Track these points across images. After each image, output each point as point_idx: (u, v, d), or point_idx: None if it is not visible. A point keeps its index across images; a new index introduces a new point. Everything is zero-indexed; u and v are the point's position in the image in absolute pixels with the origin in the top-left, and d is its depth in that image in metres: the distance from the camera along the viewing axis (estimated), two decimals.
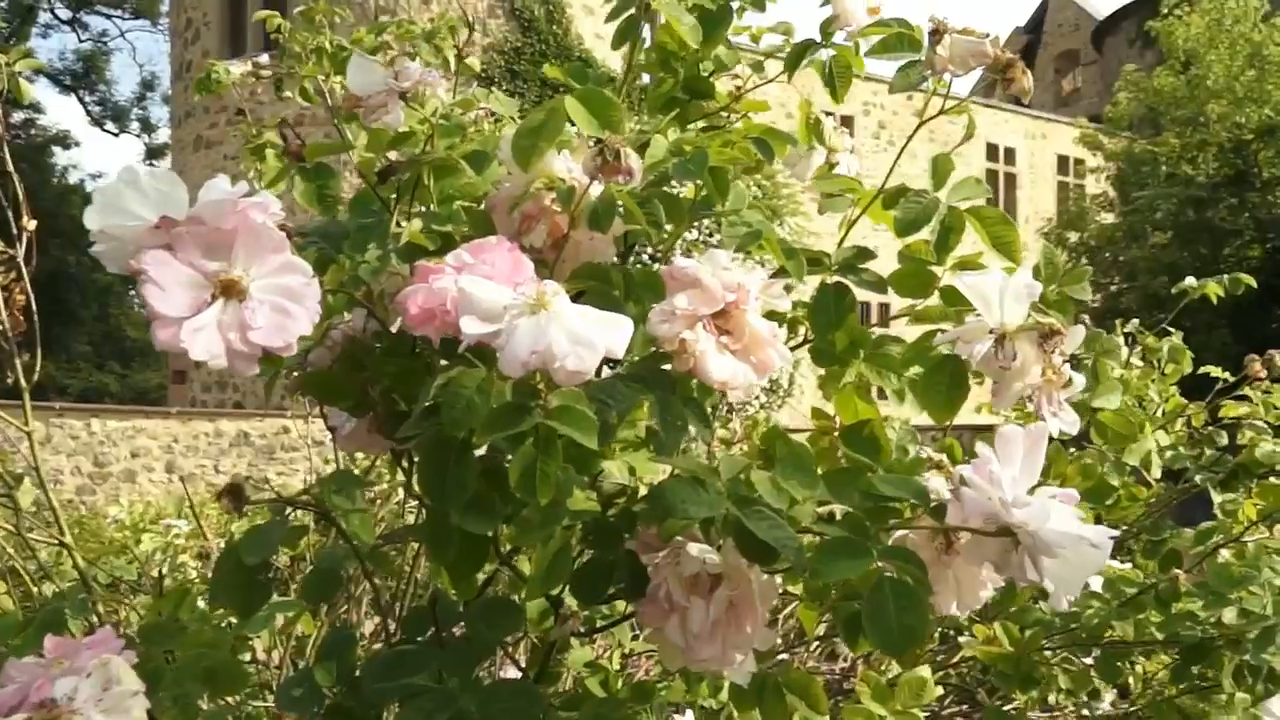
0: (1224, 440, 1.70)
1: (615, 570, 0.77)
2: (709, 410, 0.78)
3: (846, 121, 22.69)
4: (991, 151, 24.93)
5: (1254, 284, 1.71)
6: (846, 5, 1.01)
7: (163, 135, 26.16)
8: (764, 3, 1.14)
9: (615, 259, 0.87)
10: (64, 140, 26.76)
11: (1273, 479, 1.54)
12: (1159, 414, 1.75)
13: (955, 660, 1.73)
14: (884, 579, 0.65)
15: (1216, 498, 1.52)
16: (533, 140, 0.81)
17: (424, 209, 0.86)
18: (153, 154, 27.03)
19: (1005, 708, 1.66)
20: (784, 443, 0.81)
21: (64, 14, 26.50)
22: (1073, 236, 17.02)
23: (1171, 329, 1.74)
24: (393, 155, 0.87)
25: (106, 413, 9.64)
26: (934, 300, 0.89)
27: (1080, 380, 0.77)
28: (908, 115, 23.37)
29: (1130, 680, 1.59)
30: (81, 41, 27.30)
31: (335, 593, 0.85)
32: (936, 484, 0.71)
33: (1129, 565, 1.64)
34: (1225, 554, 1.48)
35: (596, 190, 0.80)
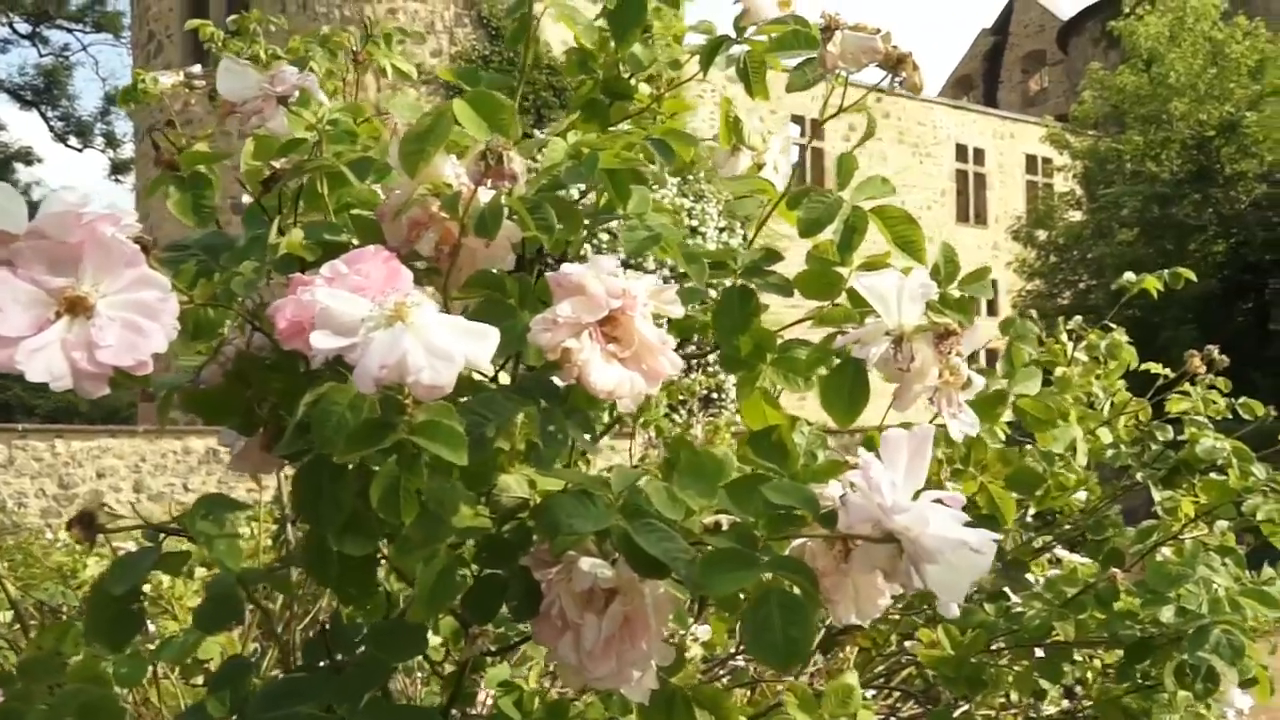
0: (1170, 435, 1.70)
1: (508, 588, 0.74)
2: (594, 419, 0.75)
3: (817, 124, 22.61)
4: (961, 152, 25.11)
5: (1194, 278, 1.71)
6: (756, 1, 0.99)
7: (128, 150, 25.92)
8: (679, 1, 1.13)
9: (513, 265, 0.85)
10: (26, 156, 26.47)
11: (1213, 475, 1.53)
12: (1106, 409, 1.74)
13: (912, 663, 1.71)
14: (770, 591, 0.63)
15: (1157, 495, 1.51)
16: (419, 146, 0.79)
17: (312, 218, 0.83)
18: (117, 169, 26.78)
19: (964, 709, 1.65)
20: (687, 451, 0.79)
21: (23, 28, 26.22)
22: (1042, 234, 17.17)
23: (1112, 325, 1.73)
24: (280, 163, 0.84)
25: (71, 433, 9.49)
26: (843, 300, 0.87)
27: (980, 381, 0.75)
28: (877, 116, 23.41)
29: (1081, 678, 1.58)
30: (42, 56, 26.99)
31: (231, 620, 0.81)
32: (830, 490, 0.69)
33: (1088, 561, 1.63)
34: (1166, 552, 1.47)
35: (488, 196, 0.78)
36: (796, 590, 0.64)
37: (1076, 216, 16.96)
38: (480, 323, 0.66)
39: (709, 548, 0.71)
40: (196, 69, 2.03)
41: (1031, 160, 25.78)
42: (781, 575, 0.64)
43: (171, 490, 9.40)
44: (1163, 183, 14.41)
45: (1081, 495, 1.54)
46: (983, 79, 37.64)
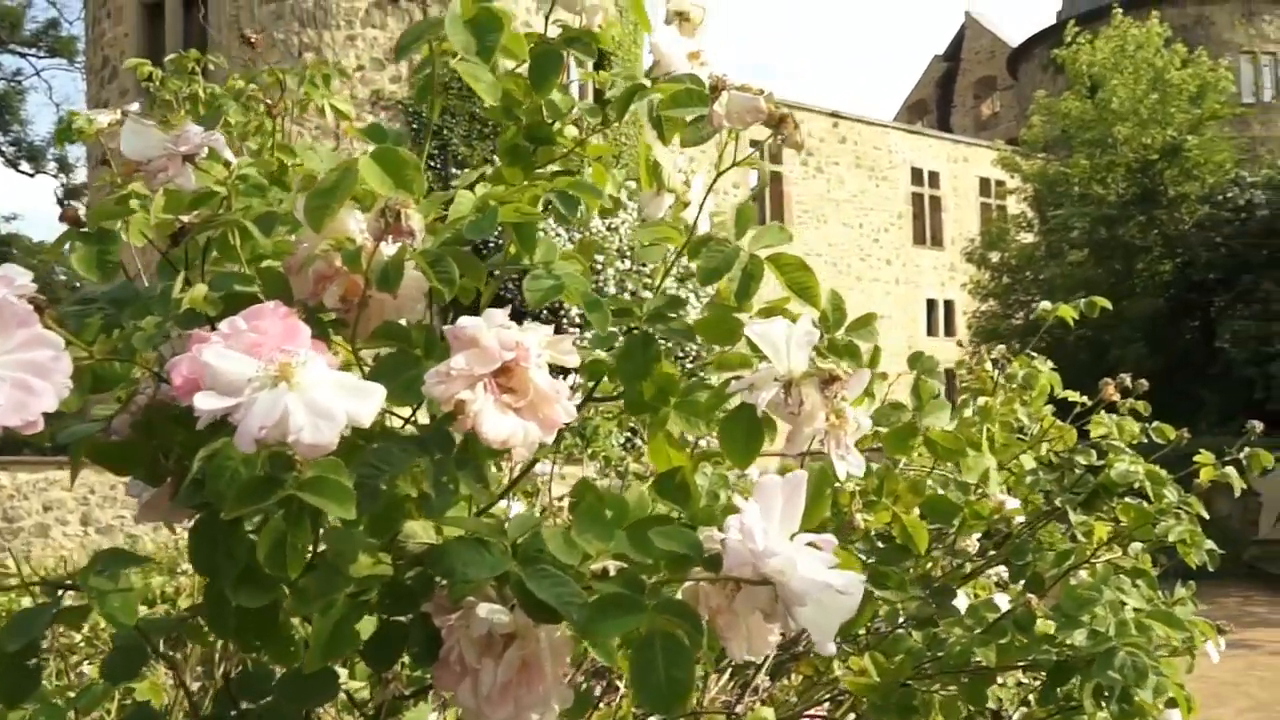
0: (1093, 459, 1.75)
1: (409, 634, 0.76)
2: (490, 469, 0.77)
3: (775, 149, 22.94)
4: (916, 175, 25.53)
5: (1109, 305, 1.77)
6: (667, 52, 1.03)
7: (81, 175, 25.54)
8: (593, 50, 1.16)
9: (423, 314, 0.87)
10: None
11: (1129, 499, 1.58)
12: (1031, 435, 1.79)
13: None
14: (653, 634, 0.66)
15: (1073, 518, 1.56)
16: (324, 201, 0.81)
17: (225, 268, 0.84)
18: (70, 194, 26.38)
19: None
20: (590, 494, 0.81)
21: None
22: (995, 256, 17.47)
23: (1035, 354, 1.78)
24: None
25: (17, 465, 9.28)
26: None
27: (866, 424, 0.78)
28: (834, 142, 23.92)
29: (1001, 701, 1.61)
30: None
31: (139, 670, 0.82)
32: (715, 534, 0.71)
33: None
34: (1083, 575, 1.51)
35: (392, 250, 0.80)
36: (680, 633, 0.66)
37: (1028, 238, 17.29)
38: (375, 379, 0.68)
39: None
40: (135, 106, 2.03)
41: (985, 183, 26.27)
42: (666, 619, 0.67)
43: (121, 523, 9.22)
44: (1109, 205, 14.75)
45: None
46: (936, 104, 38.34)
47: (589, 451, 3.07)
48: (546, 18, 0.99)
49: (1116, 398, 1.65)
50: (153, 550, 7.05)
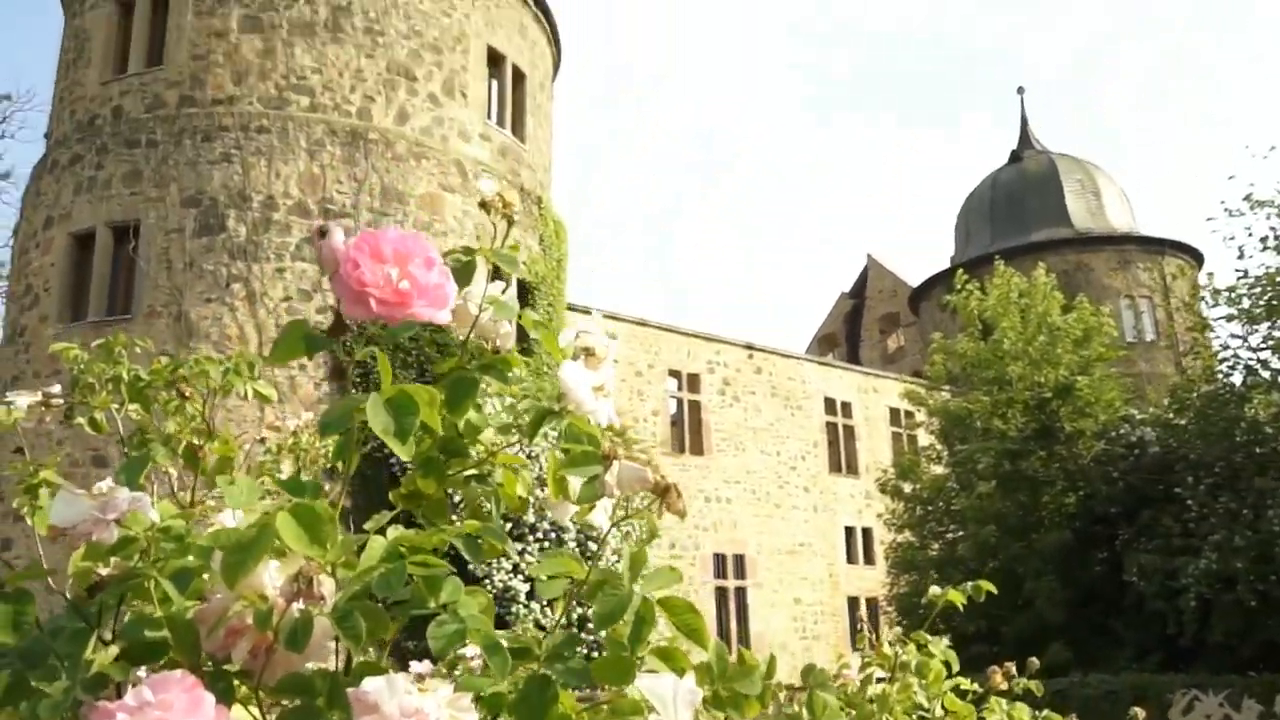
0: None
1: None
2: None
3: (693, 379, 23.89)
4: (830, 405, 26.48)
5: (994, 590, 1.87)
6: (574, 390, 1.14)
7: None
8: (506, 377, 1.27)
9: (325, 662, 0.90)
10: None
11: None
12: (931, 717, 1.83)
13: None
14: None
15: None
16: (241, 558, 0.86)
17: (127, 623, 0.87)
18: None
19: None
20: None
21: None
22: (908, 487, 17.91)
23: (928, 636, 1.86)
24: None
25: None
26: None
27: None
28: (750, 373, 24.86)
29: None
30: None
31: None
32: None
33: None
34: None
35: (299, 606, 0.85)
36: None
37: (939, 469, 17.84)
38: None
39: None
40: (56, 389, 2.07)
41: (895, 413, 27.35)
42: None
43: None
44: (1011, 440, 15.42)
45: None
46: (845, 338, 40.40)
47: None
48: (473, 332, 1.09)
49: (1004, 685, 1.72)
50: None
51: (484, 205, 1.32)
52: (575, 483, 1.34)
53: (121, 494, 0.86)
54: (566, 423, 1.15)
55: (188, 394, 1.79)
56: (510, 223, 1.32)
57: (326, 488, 1.04)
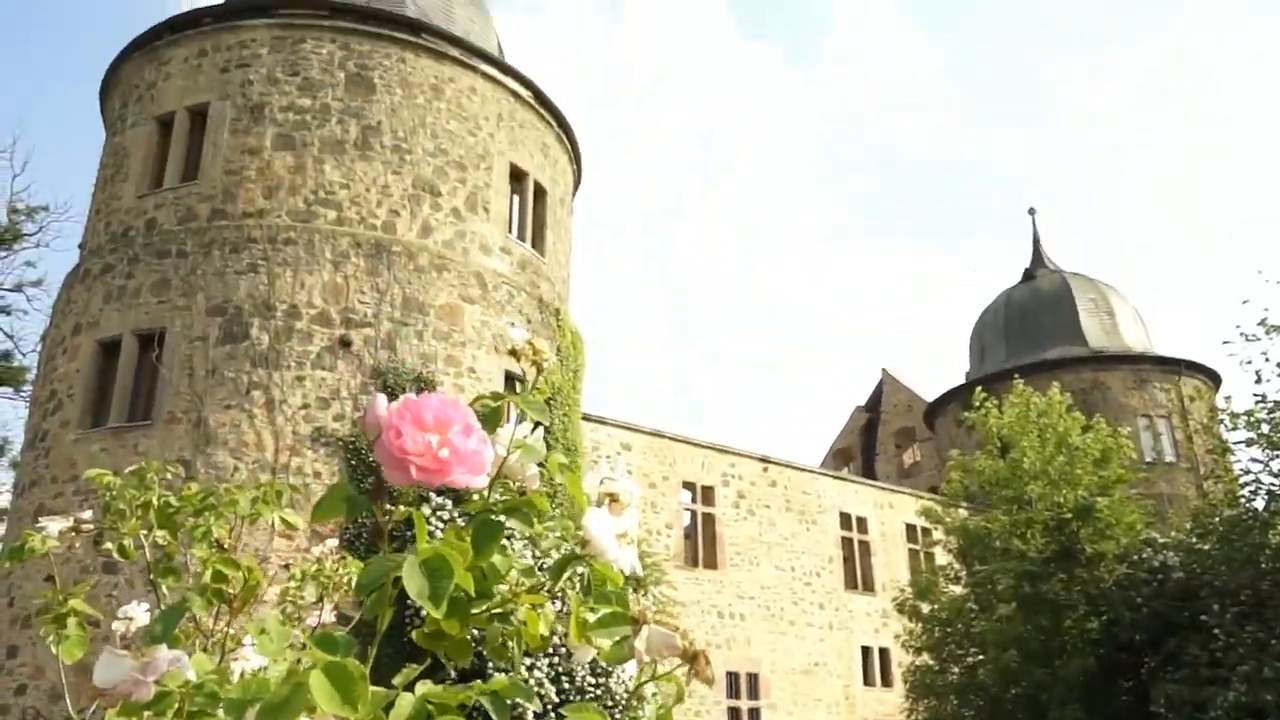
0: None
1: None
2: None
3: (708, 492, 23.67)
4: (845, 520, 26.07)
5: None
6: (599, 539, 1.17)
7: (3, 500, 24.87)
8: (531, 521, 1.30)
9: None
10: None
11: None
12: None
13: None
14: None
15: None
16: (273, 718, 0.88)
17: None
18: None
19: None
20: None
21: None
22: (926, 607, 17.50)
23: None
24: None
25: None
26: None
27: None
28: (764, 486, 24.61)
29: None
30: None
31: None
32: None
33: None
34: None
35: None
36: None
37: (957, 589, 17.46)
38: None
39: None
40: (87, 515, 2.11)
41: (911, 529, 26.88)
42: None
43: None
44: (1031, 561, 15.11)
45: None
46: (861, 451, 40.13)
47: None
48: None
49: None
50: None
51: (514, 353, 1.39)
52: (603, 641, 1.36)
53: (161, 654, 0.89)
54: (588, 571, 1.18)
55: (225, 545, 1.82)
56: (539, 370, 1.38)
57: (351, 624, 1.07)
